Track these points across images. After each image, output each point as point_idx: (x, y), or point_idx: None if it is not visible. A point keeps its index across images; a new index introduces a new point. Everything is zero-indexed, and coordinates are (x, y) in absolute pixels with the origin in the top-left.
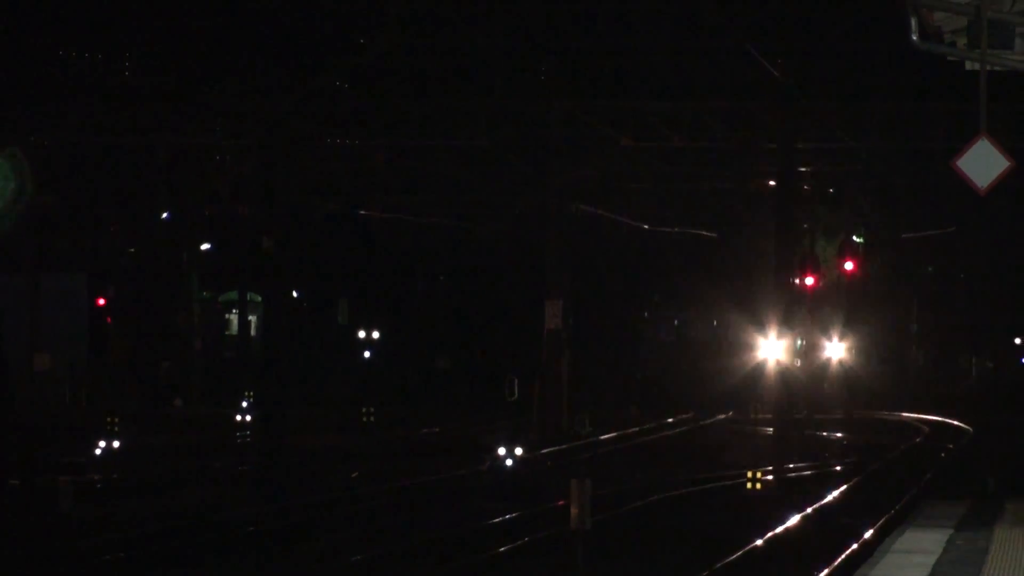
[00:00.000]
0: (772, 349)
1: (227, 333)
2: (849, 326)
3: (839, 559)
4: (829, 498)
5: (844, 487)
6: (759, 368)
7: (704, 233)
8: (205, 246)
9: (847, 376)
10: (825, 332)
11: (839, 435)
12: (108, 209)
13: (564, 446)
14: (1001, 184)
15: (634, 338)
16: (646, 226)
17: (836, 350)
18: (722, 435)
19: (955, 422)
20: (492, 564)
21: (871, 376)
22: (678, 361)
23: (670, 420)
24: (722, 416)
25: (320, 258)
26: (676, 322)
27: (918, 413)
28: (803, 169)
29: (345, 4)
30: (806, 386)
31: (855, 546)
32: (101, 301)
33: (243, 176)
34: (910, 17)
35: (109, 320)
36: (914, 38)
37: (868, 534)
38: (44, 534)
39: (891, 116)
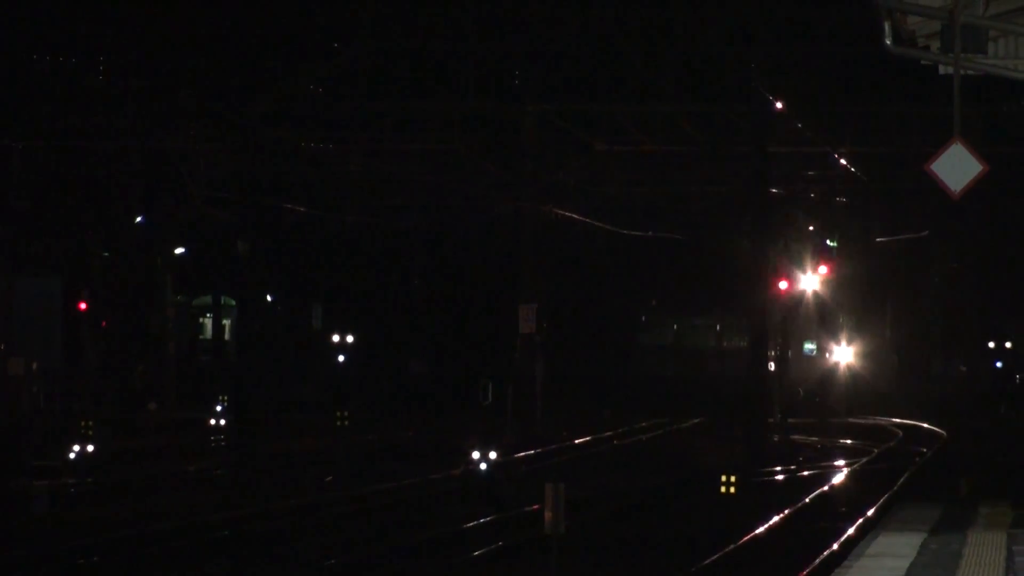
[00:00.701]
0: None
1: (201, 337)
2: (858, 331)
3: (813, 564)
4: (803, 502)
5: (817, 491)
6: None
7: (674, 236)
8: (179, 250)
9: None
10: (835, 336)
11: (813, 439)
12: (82, 213)
13: (538, 450)
14: (975, 188)
15: (613, 343)
16: (610, 227)
17: (844, 354)
18: (697, 439)
19: (928, 426)
20: (466, 568)
21: (845, 380)
22: (665, 366)
23: (644, 424)
24: (697, 420)
25: (294, 262)
26: (676, 327)
27: (893, 417)
28: (776, 173)
29: (319, 9)
30: (779, 390)
31: (829, 550)
32: (76, 305)
33: (217, 180)
34: (884, 21)
35: (83, 324)
36: (888, 42)
37: (842, 538)
38: (18, 538)
39: (865, 120)
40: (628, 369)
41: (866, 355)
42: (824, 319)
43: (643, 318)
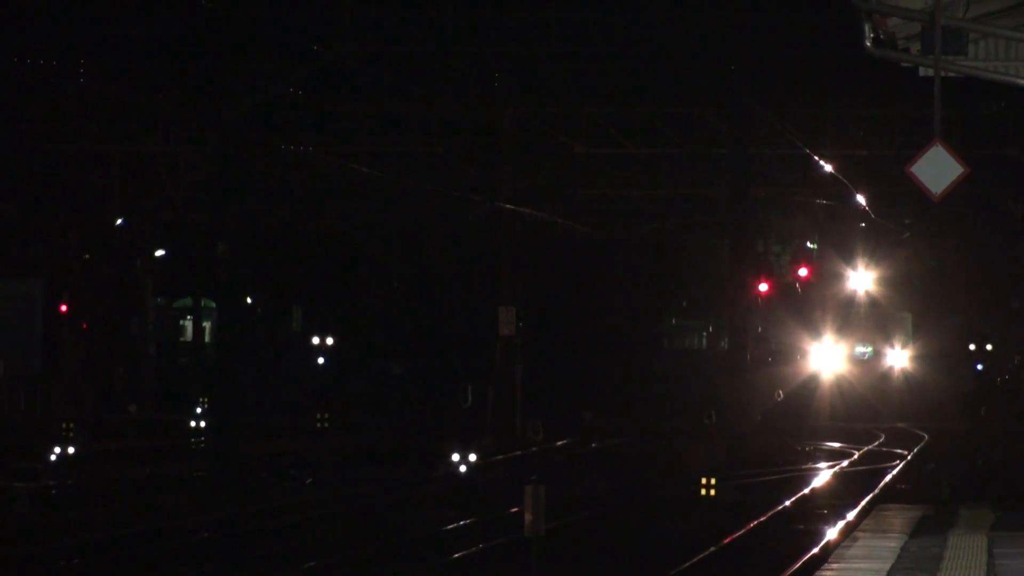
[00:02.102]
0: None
1: (181, 339)
2: (917, 332)
3: (794, 567)
4: (783, 505)
5: (798, 495)
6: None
7: (653, 238)
8: (159, 252)
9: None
10: (888, 339)
11: (792, 442)
12: (63, 216)
13: (518, 452)
14: (955, 190)
15: (600, 344)
16: (589, 228)
17: (899, 358)
18: (677, 442)
19: (905, 427)
20: (446, 571)
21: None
22: (655, 367)
23: (626, 427)
24: (681, 422)
25: (274, 264)
26: (710, 330)
27: (873, 421)
28: (755, 175)
29: (299, 11)
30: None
31: (809, 553)
32: (57, 307)
33: (197, 182)
34: (864, 23)
35: (64, 326)
36: (868, 44)
37: (822, 541)
38: None
39: (845, 122)
40: (615, 371)
41: (923, 358)
42: (914, 321)
43: (672, 321)
